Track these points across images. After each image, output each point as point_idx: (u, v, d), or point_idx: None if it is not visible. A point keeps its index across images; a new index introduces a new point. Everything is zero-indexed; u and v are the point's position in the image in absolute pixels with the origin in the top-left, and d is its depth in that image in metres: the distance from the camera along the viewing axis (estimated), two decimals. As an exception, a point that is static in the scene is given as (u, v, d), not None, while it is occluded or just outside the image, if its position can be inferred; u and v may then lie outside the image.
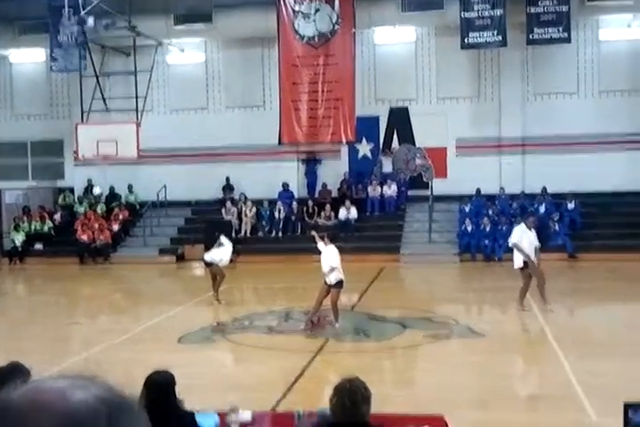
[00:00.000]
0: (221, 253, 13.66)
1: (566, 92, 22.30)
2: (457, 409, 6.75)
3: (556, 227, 19.93)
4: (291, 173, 23.27)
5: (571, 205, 20.87)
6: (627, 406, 3.84)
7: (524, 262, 12.30)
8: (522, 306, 12.33)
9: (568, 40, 20.34)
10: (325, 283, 11.18)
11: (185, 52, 23.66)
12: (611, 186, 21.20)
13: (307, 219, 21.97)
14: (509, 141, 22.23)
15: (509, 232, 13.66)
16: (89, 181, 24.23)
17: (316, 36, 21.03)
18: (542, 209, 20.84)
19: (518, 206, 21.02)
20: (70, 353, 10.24)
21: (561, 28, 20.11)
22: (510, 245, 12.87)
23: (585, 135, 21.70)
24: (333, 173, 23.09)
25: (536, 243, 12.51)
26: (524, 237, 12.39)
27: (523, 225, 12.75)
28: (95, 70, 21.85)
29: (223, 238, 13.87)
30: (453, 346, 10.35)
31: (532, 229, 12.55)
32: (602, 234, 19.95)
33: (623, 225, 20.02)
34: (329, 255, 11.11)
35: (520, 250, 12.33)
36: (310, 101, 21.10)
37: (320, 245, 11.48)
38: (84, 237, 21.80)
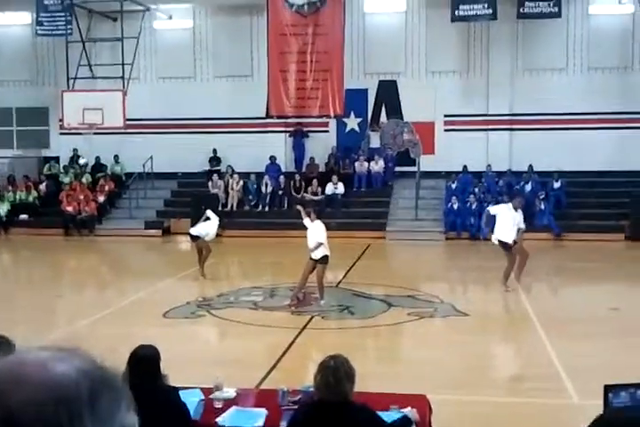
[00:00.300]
0: (207, 226, 13.62)
1: (555, 68, 22.22)
2: (439, 388, 6.81)
3: (542, 206, 19.99)
4: (278, 146, 23.15)
5: (556, 184, 20.91)
6: (607, 389, 3.86)
7: (505, 243, 12.30)
8: (506, 286, 12.40)
9: (558, 15, 20.21)
10: (311, 258, 11.20)
11: (172, 18, 23.34)
12: (597, 165, 21.25)
13: (294, 193, 21.90)
14: (497, 118, 22.18)
15: (496, 211, 13.67)
16: (74, 150, 23.98)
17: (306, 5, 20.73)
18: (528, 187, 20.88)
19: (505, 184, 21.04)
20: (55, 326, 10.23)
21: (551, 3, 19.98)
22: (485, 210, 13.18)
23: (572, 113, 21.67)
24: (321, 146, 22.99)
25: (521, 225, 12.50)
26: (507, 216, 12.39)
27: (510, 204, 12.80)
28: (81, 35, 21.52)
29: (209, 212, 13.83)
30: (437, 325, 10.44)
31: (519, 210, 12.55)
32: (587, 214, 20.03)
33: (608, 205, 20.09)
34: (316, 231, 11.12)
35: (486, 221, 12.59)
36: (299, 72, 20.87)
37: (306, 220, 11.46)
38: (70, 209, 21.66)
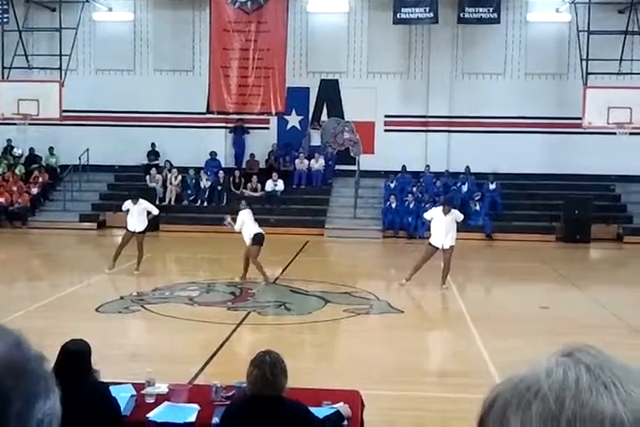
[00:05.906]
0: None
1: (493, 72, 22.64)
2: (372, 384, 6.89)
3: (477, 206, 20.38)
4: (218, 142, 23.00)
5: (492, 186, 21.33)
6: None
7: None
8: (444, 284, 12.55)
9: (497, 21, 20.60)
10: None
11: (113, 10, 22.93)
12: (532, 168, 21.76)
13: (233, 189, 21.83)
14: (436, 119, 22.50)
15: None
16: (8, 140, 23.38)
17: (249, 1, 20.64)
18: (465, 188, 21.26)
19: (442, 185, 21.38)
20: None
21: (491, 9, 20.36)
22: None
23: (509, 116, 22.14)
24: (262, 143, 22.93)
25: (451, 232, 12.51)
26: (440, 220, 12.45)
27: (440, 208, 12.86)
28: (18, 24, 20.99)
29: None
30: (372, 321, 10.55)
31: (449, 215, 12.46)
32: (521, 215, 20.53)
33: (541, 207, 20.62)
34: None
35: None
36: (241, 69, 20.78)
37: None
38: (2, 200, 21.14)
